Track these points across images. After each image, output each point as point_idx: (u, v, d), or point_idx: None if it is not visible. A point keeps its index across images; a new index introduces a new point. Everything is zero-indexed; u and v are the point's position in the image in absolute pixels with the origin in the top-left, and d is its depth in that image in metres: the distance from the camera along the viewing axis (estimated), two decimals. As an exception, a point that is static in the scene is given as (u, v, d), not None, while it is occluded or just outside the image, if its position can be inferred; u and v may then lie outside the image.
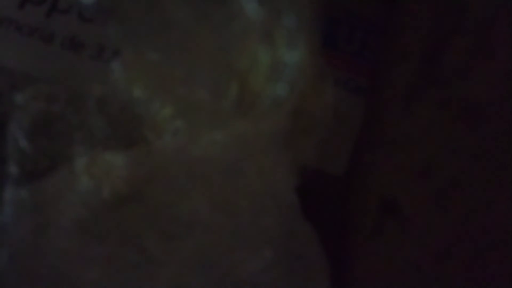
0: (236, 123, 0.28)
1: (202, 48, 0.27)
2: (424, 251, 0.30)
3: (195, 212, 0.29)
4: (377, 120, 0.33)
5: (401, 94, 0.32)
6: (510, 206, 0.29)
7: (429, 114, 0.31)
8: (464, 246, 0.29)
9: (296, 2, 0.25)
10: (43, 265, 0.28)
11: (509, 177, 0.29)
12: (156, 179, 0.29)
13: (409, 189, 0.31)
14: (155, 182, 0.29)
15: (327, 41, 0.34)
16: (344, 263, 0.31)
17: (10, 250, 0.28)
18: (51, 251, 0.28)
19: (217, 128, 0.29)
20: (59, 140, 0.29)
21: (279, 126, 0.28)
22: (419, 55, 0.32)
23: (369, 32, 0.35)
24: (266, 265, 0.28)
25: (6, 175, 0.28)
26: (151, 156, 0.29)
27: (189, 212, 0.29)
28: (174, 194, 0.29)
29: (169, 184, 0.29)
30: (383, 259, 0.31)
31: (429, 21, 0.33)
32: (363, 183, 0.33)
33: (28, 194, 0.28)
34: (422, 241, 0.30)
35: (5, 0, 0.33)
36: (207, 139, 0.29)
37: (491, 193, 0.29)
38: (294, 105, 0.27)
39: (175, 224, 0.29)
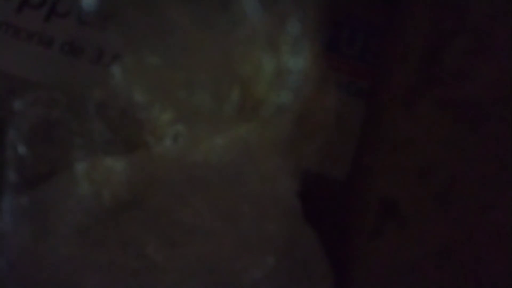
0: (238, 128, 0.28)
1: (204, 53, 0.27)
2: (424, 251, 0.30)
3: (196, 218, 0.28)
4: (377, 121, 0.33)
5: (401, 95, 0.32)
6: (510, 206, 0.29)
7: (429, 115, 0.31)
8: (464, 246, 0.29)
9: (300, 9, 0.25)
10: (43, 272, 0.28)
11: (509, 177, 0.29)
12: (156, 184, 0.29)
13: (409, 190, 0.31)
14: (156, 187, 0.29)
15: (329, 44, 0.34)
16: (345, 264, 0.31)
17: (10, 257, 0.28)
18: (51, 258, 0.28)
19: (218, 133, 0.29)
20: (58, 146, 0.29)
21: (282, 132, 0.28)
22: (419, 55, 0.32)
23: (370, 35, 0.35)
24: (268, 271, 0.28)
25: (5, 182, 0.28)
26: (152, 161, 0.29)
27: (190, 218, 0.29)
28: (175, 200, 0.29)
29: (170, 190, 0.29)
30: (384, 260, 0.31)
31: (429, 22, 0.33)
32: (363, 184, 0.33)
33: (27, 200, 0.28)
34: (422, 241, 0.30)
35: (3, 4, 0.33)
36: (208, 144, 0.29)
37: (491, 193, 0.29)
38: (297, 111, 0.27)
39: (176, 230, 0.28)
